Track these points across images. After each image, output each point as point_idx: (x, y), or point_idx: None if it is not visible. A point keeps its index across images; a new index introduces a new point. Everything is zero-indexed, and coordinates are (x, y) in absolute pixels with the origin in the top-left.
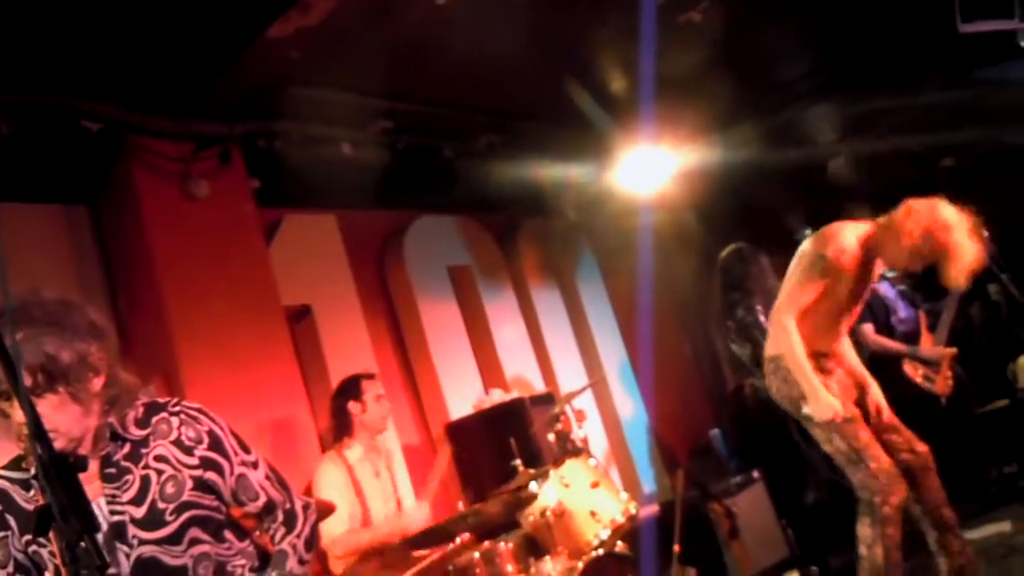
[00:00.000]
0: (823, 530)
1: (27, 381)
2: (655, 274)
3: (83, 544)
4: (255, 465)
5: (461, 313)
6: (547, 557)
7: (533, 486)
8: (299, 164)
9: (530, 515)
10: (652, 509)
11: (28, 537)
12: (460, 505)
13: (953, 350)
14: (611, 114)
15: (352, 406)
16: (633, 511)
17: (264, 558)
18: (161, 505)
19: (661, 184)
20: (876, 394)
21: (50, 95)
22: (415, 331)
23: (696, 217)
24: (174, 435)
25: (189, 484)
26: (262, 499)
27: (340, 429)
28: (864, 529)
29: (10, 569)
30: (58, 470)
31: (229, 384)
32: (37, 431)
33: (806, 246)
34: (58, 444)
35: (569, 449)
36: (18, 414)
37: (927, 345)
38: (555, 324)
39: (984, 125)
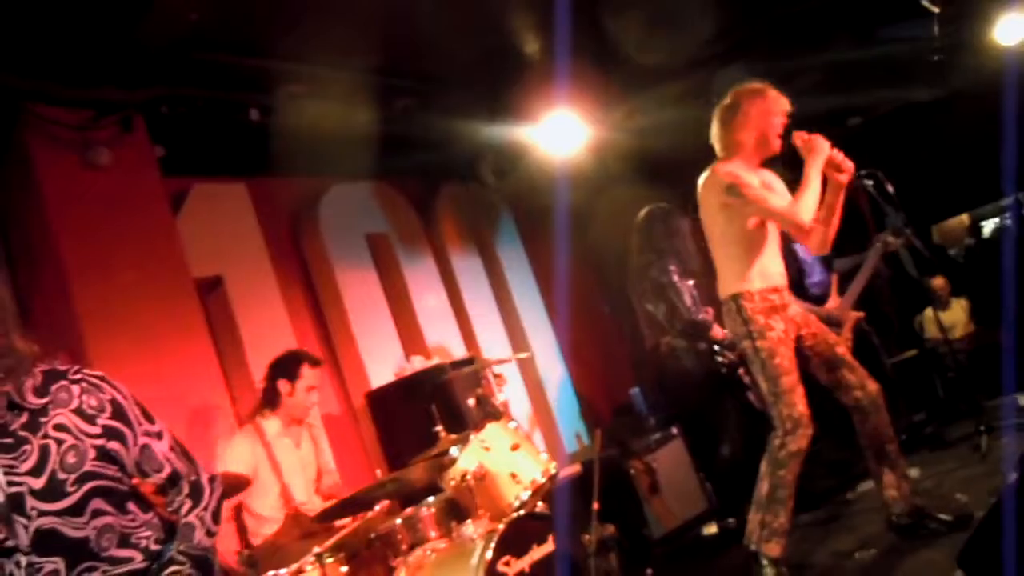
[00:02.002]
0: (739, 482)
1: None
2: (574, 236)
3: None
4: (159, 436)
5: (380, 281)
6: (468, 520)
7: (454, 451)
8: (205, 131)
9: (451, 479)
10: (574, 469)
11: None
12: (379, 473)
13: (859, 314)
14: (528, 77)
15: (282, 385)
16: (553, 471)
17: (170, 530)
18: (61, 476)
19: (578, 147)
20: (825, 331)
21: None
22: (333, 300)
23: (613, 179)
24: (75, 403)
25: (91, 454)
26: (166, 470)
27: (264, 400)
28: (763, 465)
29: None
30: None
31: (138, 360)
32: None
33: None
34: None
35: (489, 413)
36: None
37: (833, 306)
38: (476, 289)
39: (889, 84)
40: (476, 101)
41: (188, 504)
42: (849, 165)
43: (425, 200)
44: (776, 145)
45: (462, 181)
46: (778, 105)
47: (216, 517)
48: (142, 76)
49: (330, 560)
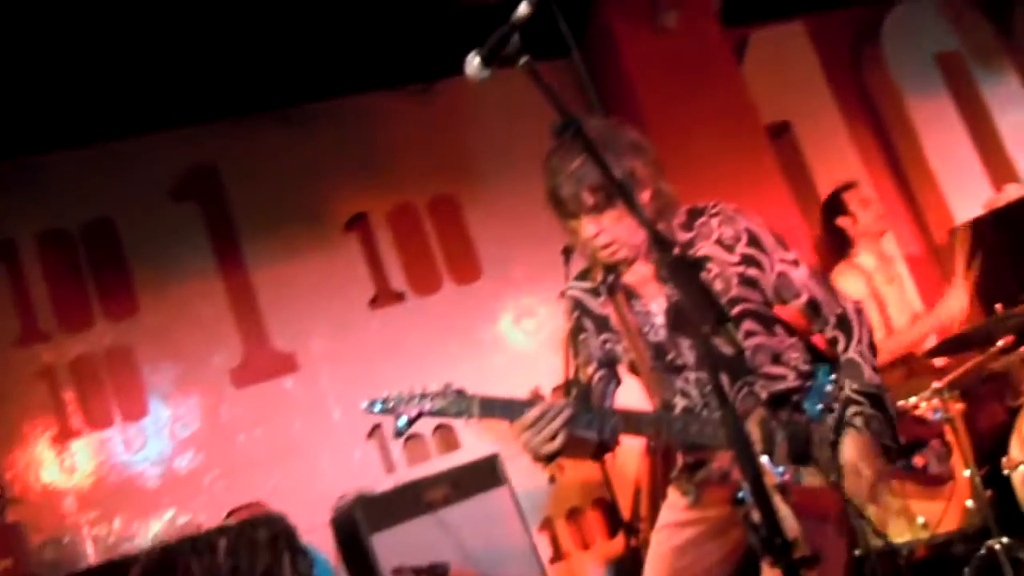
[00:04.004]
0: None
1: (590, 200)
2: None
3: (713, 334)
4: (795, 263)
5: (955, 105)
6: None
7: None
8: None
9: None
10: None
11: (605, 336)
12: (998, 308)
13: None
14: None
15: (842, 221)
16: None
17: (814, 355)
18: None
19: None
20: None
21: None
22: (904, 132)
23: None
24: (716, 235)
25: (734, 280)
26: (804, 296)
27: (840, 247)
28: None
29: (595, 366)
30: (684, 270)
31: None
32: (657, 239)
33: None
34: (621, 254)
35: None
36: (585, 230)
37: None
38: None
39: None
40: None
41: (842, 339)
42: None
43: (1001, 6)
44: None
45: None
46: None
47: (873, 349)
48: None
49: (946, 395)
